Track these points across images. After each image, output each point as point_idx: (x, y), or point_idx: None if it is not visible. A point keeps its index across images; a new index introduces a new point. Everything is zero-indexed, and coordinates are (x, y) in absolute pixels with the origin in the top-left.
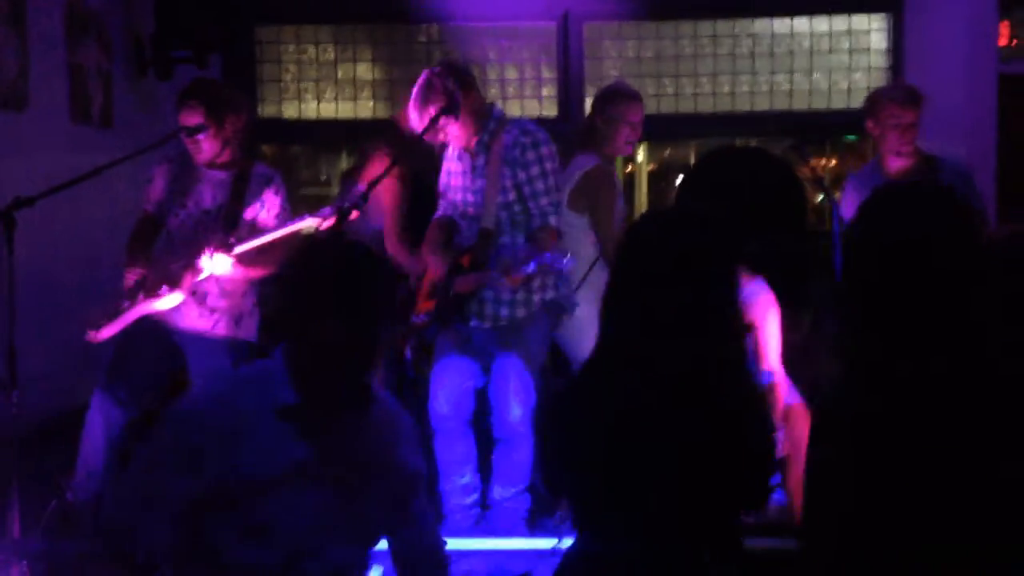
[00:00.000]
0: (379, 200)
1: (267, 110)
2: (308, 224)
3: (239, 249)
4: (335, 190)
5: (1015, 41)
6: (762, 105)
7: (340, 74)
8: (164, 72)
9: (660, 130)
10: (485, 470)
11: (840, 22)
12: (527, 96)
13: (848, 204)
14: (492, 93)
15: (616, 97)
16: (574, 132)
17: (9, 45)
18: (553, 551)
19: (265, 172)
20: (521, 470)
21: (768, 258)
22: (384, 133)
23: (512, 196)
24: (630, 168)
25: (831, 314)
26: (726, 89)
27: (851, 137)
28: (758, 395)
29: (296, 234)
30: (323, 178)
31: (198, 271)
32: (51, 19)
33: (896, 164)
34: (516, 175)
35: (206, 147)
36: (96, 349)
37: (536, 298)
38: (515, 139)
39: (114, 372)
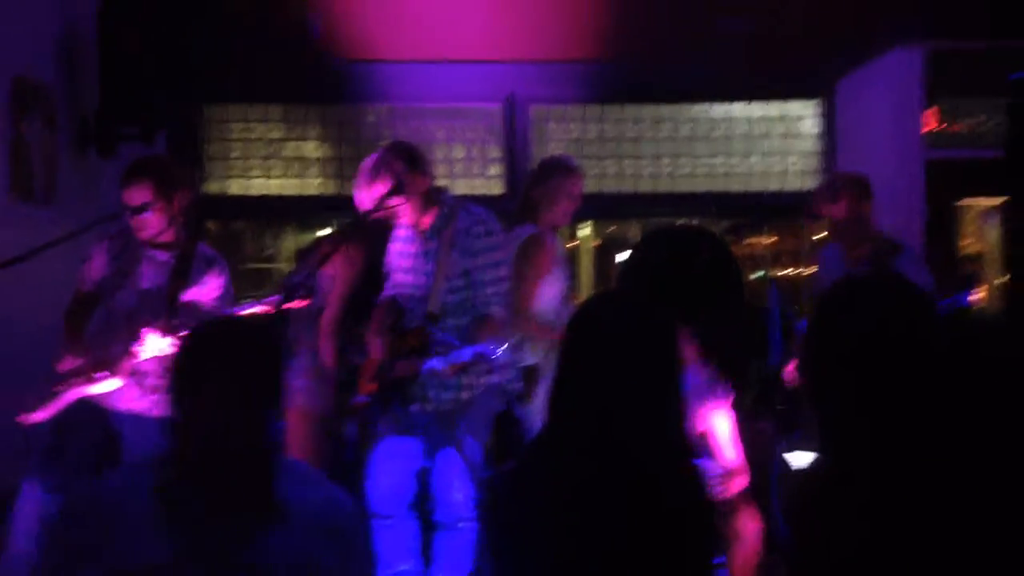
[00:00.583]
0: (333, 280)
1: (213, 187)
2: (251, 312)
3: (178, 333)
4: (281, 266)
5: (943, 126)
6: (701, 186)
7: (288, 152)
8: (108, 148)
9: (603, 209)
10: (426, 555)
11: (774, 108)
12: (474, 175)
13: (825, 276)
14: (440, 171)
15: (555, 169)
16: (515, 208)
17: None
18: None
19: (208, 254)
20: (463, 556)
21: (710, 338)
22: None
23: (461, 282)
24: (575, 243)
25: (772, 391)
26: (667, 170)
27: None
28: (701, 480)
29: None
30: (268, 253)
31: (136, 356)
32: None
33: (849, 250)
34: (466, 261)
35: (152, 223)
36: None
37: (480, 381)
38: (469, 226)
39: (48, 457)
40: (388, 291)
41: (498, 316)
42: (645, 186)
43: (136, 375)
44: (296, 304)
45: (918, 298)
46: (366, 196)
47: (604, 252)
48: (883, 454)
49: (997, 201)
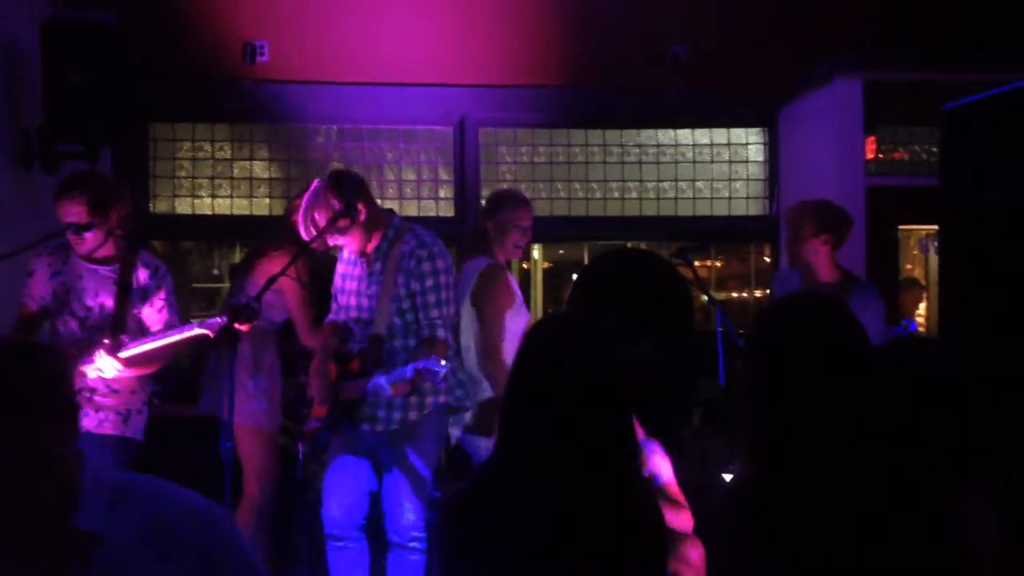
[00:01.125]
0: (283, 298)
1: (159, 206)
2: (196, 333)
3: (126, 353)
4: (227, 285)
5: (881, 155)
6: (649, 210)
7: (236, 171)
8: (51, 166)
9: (553, 232)
10: (378, 574)
11: (720, 135)
12: (424, 197)
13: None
14: (390, 193)
15: (507, 202)
16: (465, 236)
17: None
18: None
19: (150, 262)
20: (416, 575)
21: (657, 360)
22: (281, 230)
23: (407, 304)
24: (526, 266)
25: (718, 413)
26: (615, 194)
27: None
28: (651, 502)
29: (182, 341)
30: (215, 272)
31: (83, 375)
32: None
33: (807, 276)
34: (410, 285)
35: (88, 239)
36: None
37: (428, 401)
38: (412, 250)
39: None
40: (334, 314)
41: (443, 338)
42: (595, 209)
43: (83, 392)
44: (241, 325)
45: (846, 319)
46: (304, 227)
47: (555, 275)
48: (800, 465)
49: (935, 227)
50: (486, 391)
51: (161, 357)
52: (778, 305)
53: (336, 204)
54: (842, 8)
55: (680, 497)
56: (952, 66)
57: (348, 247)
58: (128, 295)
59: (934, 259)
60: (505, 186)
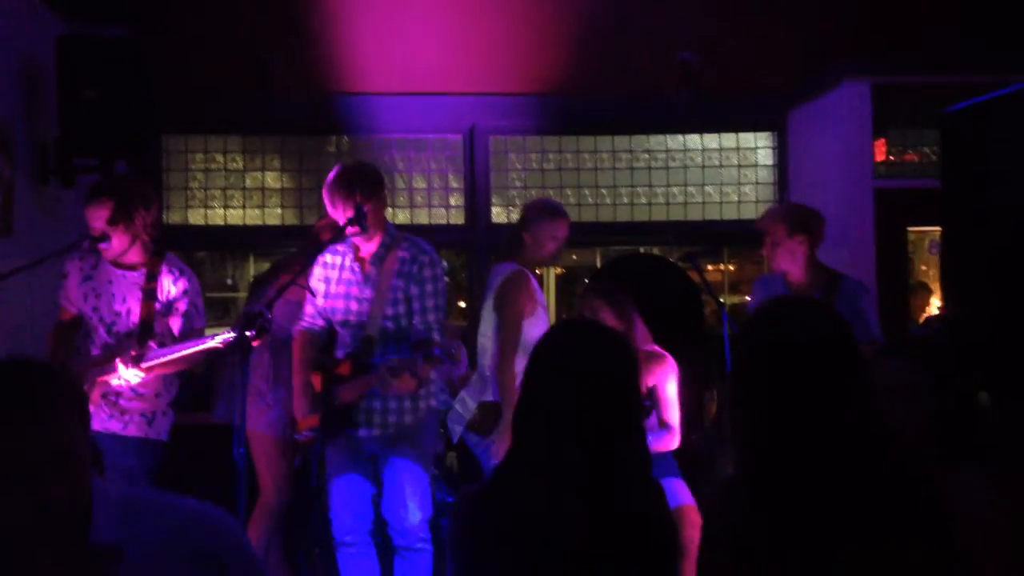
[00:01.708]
0: (303, 309)
1: (173, 217)
2: (211, 345)
3: (148, 364)
4: (242, 295)
5: (892, 157)
6: (658, 215)
7: (248, 182)
8: (68, 179)
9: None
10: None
11: (729, 139)
12: (435, 205)
13: (754, 303)
14: (400, 202)
15: (544, 214)
16: (498, 242)
17: None
18: None
19: (175, 267)
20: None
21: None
22: (308, 243)
23: (402, 309)
24: (539, 272)
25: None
26: (625, 200)
27: None
28: (661, 497)
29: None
30: (228, 283)
31: (108, 384)
32: None
33: (791, 276)
34: (409, 289)
35: (115, 243)
36: None
37: (422, 404)
38: (414, 255)
39: None
40: (309, 321)
41: (438, 341)
42: (605, 215)
43: (108, 395)
44: (253, 335)
45: (830, 320)
46: (343, 206)
47: (568, 280)
48: (782, 467)
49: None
50: (491, 394)
51: (183, 362)
52: (763, 309)
53: (352, 205)
54: (850, 12)
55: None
56: (960, 69)
57: (360, 244)
58: (154, 301)
59: None
60: (515, 193)
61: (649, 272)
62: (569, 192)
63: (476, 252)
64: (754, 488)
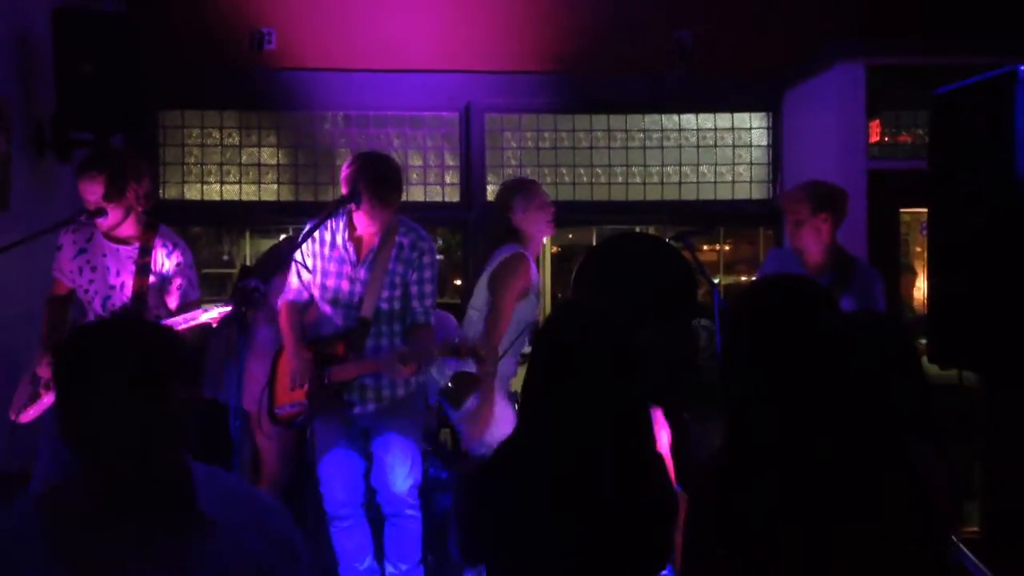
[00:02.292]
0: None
1: (169, 192)
2: (211, 314)
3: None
4: (237, 271)
5: (886, 138)
6: (653, 195)
7: (244, 158)
8: (64, 154)
9: (558, 217)
10: (376, 545)
11: (724, 119)
12: (430, 183)
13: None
14: None
15: (527, 189)
16: (490, 233)
17: None
18: None
19: (168, 240)
20: (413, 544)
21: (662, 343)
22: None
23: (397, 292)
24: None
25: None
26: (619, 179)
27: None
28: (661, 458)
29: (200, 323)
30: (225, 258)
31: None
32: None
33: (808, 256)
34: (407, 275)
35: (109, 216)
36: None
37: (413, 379)
38: (414, 242)
39: (46, 458)
40: (296, 294)
41: (433, 324)
42: (599, 194)
43: None
44: (248, 309)
45: (822, 298)
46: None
47: (564, 259)
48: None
49: None
50: (468, 364)
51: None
52: (754, 286)
53: (343, 190)
54: None
55: (670, 471)
56: (955, 50)
57: (363, 223)
58: (148, 275)
59: None
60: (510, 171)
61: (643, 251)
62: (564, 171)
63: (471, 230)
64: (740, 464)
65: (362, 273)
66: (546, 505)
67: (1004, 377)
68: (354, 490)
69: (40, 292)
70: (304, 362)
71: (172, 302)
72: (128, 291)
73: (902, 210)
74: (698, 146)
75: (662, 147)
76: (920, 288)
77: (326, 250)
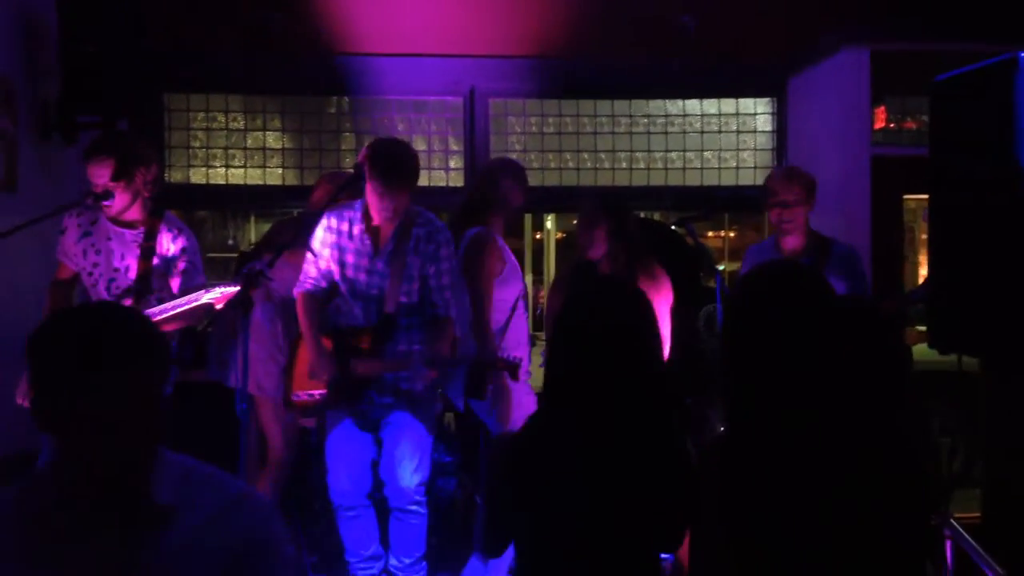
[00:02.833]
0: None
1: (175, 175)
2: (213, 294)
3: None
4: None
5: (891, 124)
6: (657, 180)
7: (249, 142)
8: (70, 136)
9: (562, 202)
10: (384, 539)
11: (728, 105)
12: (434, 167)
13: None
14: None
15: (505, 168)
16: (469, 209)
17: None
18: None
19: (174, 223)
20: (417, 540)
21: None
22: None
23: (416, 285)
24: (539, 236)
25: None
26: (623, 164)
27: None
28: (678, 433)
29: (203, 305)
30: (230, 242)
31: None
32: None
33: (787, 242)
34: (425, 267)
35: (116, 200)
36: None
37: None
38: (430, 234)
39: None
40: (314, 283)
41: (453, 318)
42: (603, 179)
43: None
44: (255, 290)
45: (814, 283)
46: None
47: (569, 244)
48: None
49: None
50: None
51: (183, 319)
52: (752, 272)
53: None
54: None
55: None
56: (960, 36)
57: (380, 215)
58: (152, 258)
59: None
60: (515, 156)
61: (647, 237)
62: (568, 156)
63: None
64: (742, 446)
65: (379, 265)
66: (580, 462)
67: (1004, 362)
68: (360, 481)
69: (45, 273)
70: (323, 356)
71: (176, 286)
72: (132, 274)
73: (906, 196)
74: (702, 132)
75: (666, 132)
76: (923, 275)
77: (343, 241)
